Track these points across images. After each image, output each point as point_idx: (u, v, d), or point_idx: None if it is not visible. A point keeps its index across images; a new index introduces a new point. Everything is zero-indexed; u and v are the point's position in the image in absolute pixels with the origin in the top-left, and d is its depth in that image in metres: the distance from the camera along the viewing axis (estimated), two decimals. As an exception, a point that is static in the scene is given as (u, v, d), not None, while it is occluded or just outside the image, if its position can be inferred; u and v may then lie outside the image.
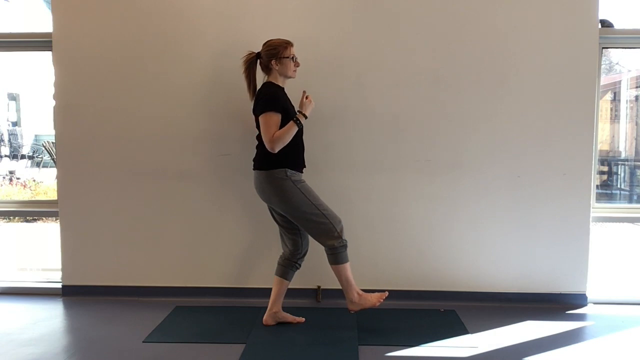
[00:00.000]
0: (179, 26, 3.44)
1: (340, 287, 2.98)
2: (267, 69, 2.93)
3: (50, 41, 3.50)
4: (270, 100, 2.82)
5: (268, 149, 2.80)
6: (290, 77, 2.95)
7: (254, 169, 2.94)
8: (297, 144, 2.89)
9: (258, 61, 2.95)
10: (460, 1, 3.36)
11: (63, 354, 2.70)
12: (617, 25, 3.48)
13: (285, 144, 2.81)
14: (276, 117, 2.80)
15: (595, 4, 3.32)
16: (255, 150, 2.97)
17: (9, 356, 2.67)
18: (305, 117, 2.87)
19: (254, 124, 2.95)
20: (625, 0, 4.51)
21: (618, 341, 2.89)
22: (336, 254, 2.87)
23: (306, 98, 2.89)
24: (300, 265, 3.06)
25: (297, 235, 3.02)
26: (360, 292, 2.94)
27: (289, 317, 3.08)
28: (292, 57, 2.91)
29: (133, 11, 3.46)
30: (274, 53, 2.87)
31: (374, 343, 2.80)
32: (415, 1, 3.37)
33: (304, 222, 2.88)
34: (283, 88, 2.92)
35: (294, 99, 2.95)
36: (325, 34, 3.38)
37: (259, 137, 2.92)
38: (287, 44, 2.90)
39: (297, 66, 2.95)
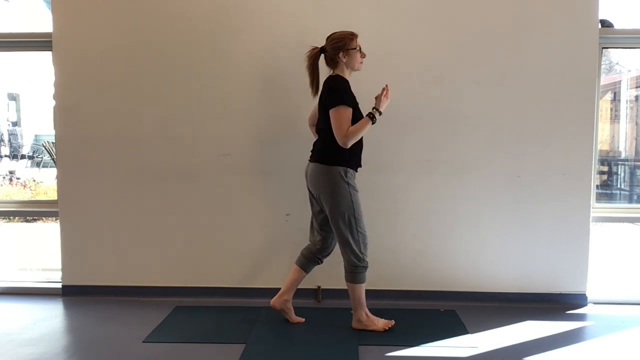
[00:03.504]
0: (178, 26, 3.44)
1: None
2: (333, 63, 2.86)
3: (50, 41, 3.50)
4: (343, 93, 2.77)
5: (340, 144, 2.75)
6: (357, 70, 2.90)
7: (312, 161, 2.90)
8: (359, 141, 2.85)
9: (322, 55, 2.88)
10: (460, 1, 3.36)
11: (63, 354, 2.70)
12: (617, 25, 3.47)
13: (358, 139, 2.78)
14: (349, 112, 2.76)
15: (595, 4, 3.32)
16: (316, 142, 2.93)
17: (9, 356, 2.67)
18: (380, 114, 2.82)
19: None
20: (625, 0, 4.51)
21: (618, 341, 2.89)
22: (355, 273, 2.87)
23: (383, 95, 2.83)
24: (322, 262, 3.04)
25: (329, 234, 2.99)
26: (369, 314, 2.96)
27: (292, 314, 3.07)
28: (359, 48, 2.87)
29: (133, 11, 3.46)
30: (341, 45, 2.82)
31: (374, 343, 2.80)
32: (414, 1, 3.37)
33: (337, 226, 2.85)
34: (348, 82, 2.86)
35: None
36: (324, 35, 3.37)
37: (322, 130, 2.86)
38: (353, 36, 2.85)
39: (364, 57, 2.91)
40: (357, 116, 2.81)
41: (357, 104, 2.84)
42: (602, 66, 3.54)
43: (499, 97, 3.39)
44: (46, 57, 3.66)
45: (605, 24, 3.44)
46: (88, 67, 3.49)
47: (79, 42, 3.48)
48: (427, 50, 3.39)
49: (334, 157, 2.81)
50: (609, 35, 3.45)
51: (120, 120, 3.50)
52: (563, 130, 3.38)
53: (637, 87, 5.96)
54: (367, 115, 2.80)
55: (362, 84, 2.94)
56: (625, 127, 5.99)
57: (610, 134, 6.12)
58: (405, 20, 3.38)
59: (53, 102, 3.55)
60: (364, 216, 2.88)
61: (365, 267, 2.88)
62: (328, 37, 2.88)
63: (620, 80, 5.95)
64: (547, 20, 3.34)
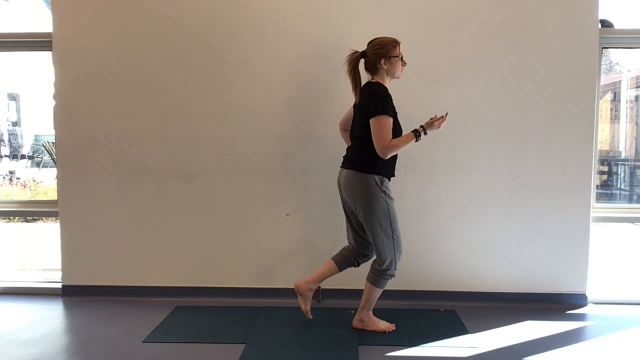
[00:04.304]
0: (179, 27, 3.44)
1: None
2: (373, 69, 2.80)
3: (50, 41, 3.50)
4: (386, 103, 2.70)
5: (379, 154, 2.69)
6: (397, 78, 2.86)
7: (346, 168, 2.84)
8: None
9: (362, 60, 2.82)
10: (460, 1, 3.36)
11: (63, 354, 2.70)
12: (617, 25, 3.48)
13: (397, 152, 2.74)
14: (391, 122, 2.69)
15: (595, 4, 3.32)
16: (351, 148, 2.88)
17: (9, 356, 2.67)
18: (425, 134, 2.76)
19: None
20: (625, 0, 4.51)
21: (618, 341, 2.89)
22: (378, 278, 2.85)
23: (439, 121, 2.76)
24: (358, 265, 3.01)
25: (368, 240, 2.94)
26: (372, 315, 2.96)
27: (308, 303, 3.01)
28: (401, 57, 2.83)
29: (132, 11, 3.46)
30: (383, 52, 2.75)
31: (374, 343, 2.80)
32: (415, 1, 3.37)
33: (374, 233, 2.80)
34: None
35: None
36: (323, 35, 3.37)
37: (359, 137, 2.80)
38: (396, 43, 2.79)
39: (404, 65, 2.86)
40: (395, 126, 2.75)
41: (396, 113, 2.79)
42: (602, 66, 3.55)
43: (499, 97, 3.39)
44: (46, 57, 3.66)
45: (605, 24, 3.44)
46: (88, 67, 3.49)
47: (79, 42, 3.49)
48: (427, 50, 3.39)
49: (371, 165, 2.75)
50: (609, 35, 3.45)
51: (120, 120, 3.50)
52: (563, 130, 3.38)
53: (637, 87, 5.96)
54: (412, 131, 2.74)
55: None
56: (625, 127, 5.99)
57: (610, 134, 6.11)
58: (405, 20, 3.38)
59: (53, 102, 3.55)
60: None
61: (393, 276, 2.86)
62: (370, 42, 2.82)
63: (620, 80, 5.95)
64: (547, 20, 3.34)
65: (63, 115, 3.54)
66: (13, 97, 11.19)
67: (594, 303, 3.47)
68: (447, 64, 3.38)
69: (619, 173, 6.07)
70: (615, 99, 6.06)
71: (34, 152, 10.57)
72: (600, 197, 5.10)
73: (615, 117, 6.04)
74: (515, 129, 3.40)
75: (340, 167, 2.92)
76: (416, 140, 2.74)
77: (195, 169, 3.50)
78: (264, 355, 2.67)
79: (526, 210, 3.42)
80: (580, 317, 3.26)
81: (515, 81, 3.38)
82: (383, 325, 2.95)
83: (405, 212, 3.46)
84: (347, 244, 3.04)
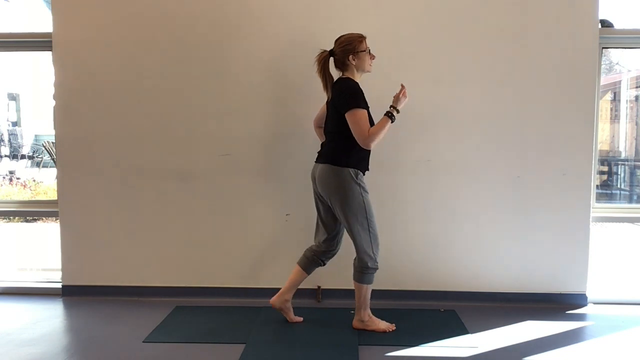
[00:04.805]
0: (179, 27, 3.44)
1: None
2: (343, 65, 2.86)
3: (50, 41, 3.50)
4: (357, 96, 2.77)
5: (362, 146, 2.75)
6: (367, 72, 2.90)
7: (321, 162, 2.88)
8: None
9: (332, 59, 2.88)
10: (460, 1, 3.36)
11: (63, 354, 2.70)
12: (617, 25, 3.47)
13: (380, 139, 2.77)
14: (365, 113, 2.75)
15: (595, 4, 3.32)
16: (326, 144, 2.92)
17: (9, 356, 2.67)
18: (398, 112, 2.82)
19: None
20: (625, 0, 4.51)
21: (618, 341, 2.89)
22: (364, 274, 2.87)
23: (401, 94, 2.83)
24: (325, 264, 3.04)
25: (334, 236, 2.99)
26: (371, 315, 2.96)
27: (291, 314, 3.07)
28: (368, 50, 2.87)
29: (133, 11, 3.45)
30: (351, 48, 2.81)
31: (374, 343, 2.80)
32: (415, 1, 3.37)
33: (350, 227, 2.84)
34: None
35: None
36: (325, 34, 3.37)
37: (332, 133, 2.86)
38: (362, 38, 2.85)
39: (373, 59, 2.90)
40: (369, 118, 2.80)
41: (368, 106, 2.83)
42: (602, 66, 3.55)
43: (499, 97, 3.39)
44: (46, 57, 3.66)
45: (605, 24, 3.44)
46: (88, 67, 3.49)
47: (79, 42, 3.48)
48: (427, 51, 3.38)
49: (345, 159, 2.80)
50: (609, 35, 3.45)
51: (120, 120, 3.50)
52: (563, 130, 3.38)
53: (637, 87, 5.96)
54: (385, 114, 2.79)
55: (365, 84, 2.94)
56: (625, 127, 5.99)
57: (610, 134, 6.11)
58: (405, 20, 3.38)
59: (53, 102, 3.55)
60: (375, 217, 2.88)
61: (376, 269, 2.88)
62: (336, 40, 2.87)
63: (620, 80, 5.95)
64: (547, 20, 3.34)
65: (63, 115, 3.54)
66: (13, 97, 11.19)
67: (594, 303, 3.47)
68: (447, 64, 3.38)
69: (619, 173, 6.07)
70: (615, 99, 6.07)
71: (34, 152, 10.57)
72: (600, 197, 5.10)
73: (615, 117, 6.04)
74: (515, 129, 3.40)
75: (315, 162, 2.95)
76: (392, 122, 2.79)
77: (195, 169, 3.50)
78: (264, 355, 2.67)
79: (526, 210, 3.42)
80: (580, 317, 3.26)
81: (515, 81, 3.38)
82: (383, 325, 2.95)
83: (405, 212, 3.47)
84: (311, 245, 3.06)
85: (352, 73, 2.86)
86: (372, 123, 2.81)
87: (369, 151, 2.88)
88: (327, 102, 2.93)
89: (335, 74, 2.92)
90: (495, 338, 2.90)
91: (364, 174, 2.89)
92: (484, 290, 3.46)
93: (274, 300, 3.04)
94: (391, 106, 2.81)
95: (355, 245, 2.87)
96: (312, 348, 2.74)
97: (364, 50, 2.84)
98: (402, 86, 2.86)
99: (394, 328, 2.97)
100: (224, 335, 2.93)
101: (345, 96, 2.78)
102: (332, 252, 3.03)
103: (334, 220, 2.95)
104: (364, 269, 2.86)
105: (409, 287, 3.47)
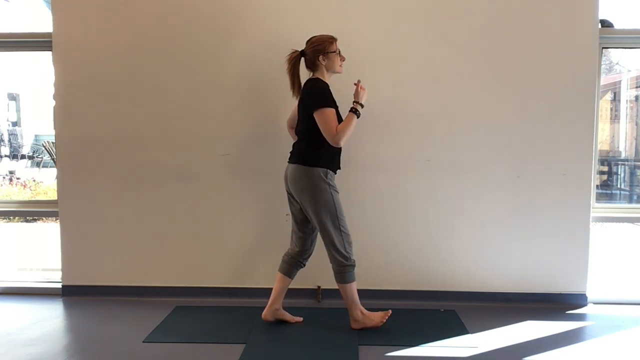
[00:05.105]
0: (179, 27, 3.44)
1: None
2: (313, 65, 2.90)
3: (50, 41, 3.50)
4: (324, 96, 2.81)
5: (332, 144, 2.78)
6: (337, 72, 2.93)
7: (292, 162, 2.91)
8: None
9: (302, 59, 2.92)
10: (461, 1, 3.36)
11: (63, 354, 2.70)
12: (617, 25, 3.47)
13: (349, 136, 2.79)
14: (333, 112, 2.79)
15: (595, 4, 3.32)
16: (296, 144, 2.95)
17: (9, 356, 2.67)
18: (362, 106, 2.85)
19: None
20: (625, 0, 4.51)
21: (618, 341, 2.89)
22: (343, 273, 2.88)
23: (360, 87, 2.87)
24: (304, 265, 3.06)
25: (307, 235, 3.02)
26: (365, 311, 2.96)
27: (288, 316, 3.08)
28: (338, 51, 2.90)
29: (133, 11, 3.46)
30: (321, 49, 2.85)
31: (374, 343, 2.80)
32: (415, 1, 3.37)
33: (321, 227, 2.87)
34: (328, 85, 2.88)
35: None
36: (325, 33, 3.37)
37: (302, 132, 2.90)
38: (332, 39, 2.89)
39: (343, 60, 2.94)
40: (338, 118, 2.84)
41: (337, 106, 2.86)
42: (602, 66, 3.55)
43: (499, 97, 3.39)
44: (46, 57, 3.66)
45: (605, 24, 3.44)
46: (88, 67, 3.49)
47: (79, 42, 3.48)
48: (426, 51, 3.39)
49: (315, 158, 2.84)
50: (609, 35, 3.45)
51: (120, 120, 3.50)
52: (563, 130, 3.38)
53: (637, 87, 5.96)
54: (350, 110, 2.83)
55: (365, 84, 2.94)
56: (625, 127, 5.99)
57: (610, 134, 6.12)
58: (404, 20, 3.38)
59: (53, 102, 3.55)
60: (346, 216, 2.90)
61: (353, 266, 2.90)
62: (308, 41, 2.91)
63: (620, 80, 5.95)
64: (547, 20, 3.34)
65: (63, 115, 3.54)
66: (13, 97, 11.19)
67: (594, 303, 3.47)
68: (447, 64, 3.38)
69: (619, 173, 6.07)
70: (615, 99, 6.07)
71: (34, 152, 10.57)
72: (600, 197, 5.10)
73: (615, 117, 6.04)
74: (515, 129, 3.40)
75: (288, 162, 2.96)
76: (357, 117, 2.82)
77: (196, 169, 3.50)
78: (264, 355, 2.67)
79: (526, 210, 3.42)
80: (580, 317, 3.26)
81: (515, 81, 3.37)
82: (379, 317, 2.95)
83: (405, 212, 3.47)
84: (287, 250, 3.08)
85: (321, 74, 2.90)
86: (340, 122, 2.83)
87: (339, 150, 2.92)
88: (298, 103, 2.96)
89: (306, 74, 2.94)
90: (495, 338, 2.90)
91: (335, 173, 2.92)
92: (484, 290, 3.46)
93: (265, 313, 3.05)
94: (354, 102, 2.85)
95: (327, 245, 2.89)
96: (312, 348, 2.74)
97: (334, 52, 2.88)
98: (358, 81, 2.90)
99: (390, 313, 2.96)
100: (224, 335, 2.93)
101: (314, 96, 2.81)
102: (308, 252, 3.05)
103: (307, 220, 2.97)
104: (341, 269, 2.88)
105: (409, 287, 3.47)
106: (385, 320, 2.94)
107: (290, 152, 2.97)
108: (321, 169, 2.83)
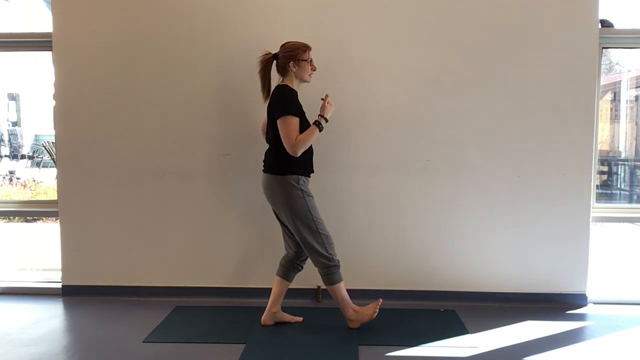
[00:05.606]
0: (179, 27, 3.44)
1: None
2: (283, 71, 2.90)
3: (50, 41, 3.50)
4: (289, 103, 2.80)
5: (290, 153, 2.77)
6: (306, 81, 2.93)
7: (264, 172, 2.92)
8: (309, 148, 2.88)
9: (274, 62, 2.92)
10: (461, 1, 3.36)
11: (63, 354, 2.70)
12: (617, 25, 3.47)
13: (307, 147, 2.80)
14: (296, 121, 2.78)
15: (595, 4, 3.32)
16: (267, 152, 2.94)
17: (9, 356, 2.67)
18: (326, 121, 2.85)
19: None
20: (625, 0, 4.51)
21: (618, 341, 2.89)
22: (329, 275, 2.88)
23: (327, 102, 2.88)
24: (302, 268, 3.06)
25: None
26: (356, 308, 2.96)
27: (287, 317, 3.09)
28: (310, 61, 2.90)
29: (133, 11, 3.46)
30: (293, 55, 2.85)
31: (374, 343, 2.80)
32: (415, 1, 3.37)
33: (299, 233, 2.86)
34: (297, 92, 2.88)
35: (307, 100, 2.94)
36: (324, 35, 3.37)
37: (272, 140, 2.89)
38: (306, 47, 2.89)
39: (314, 70, 2.94)
40: (304, 126, 2.83)
41: (304, 113, 2.86)
42: (602, 66, 3.55)
43: (499, 97, 3.39)
44: (46, 57, 3.66)
45: (605, 24, 3.44)
46: (88, 67, 3.49)
47: (79, 42, 3.48)
48: (427, 51, 3.38)
49: (285, 166, 2.83)
50: (609, 35, 3.45)
51: (120, 120, 3.50)
52: (563, 130, 3.38)
53: (637, 87, 5.96)
54: (313, 123, 2.83)
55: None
56: (625, 127, 5.99)
57: (610, 134, 6.11)
58: (404, 20, 3.38)
59: (53, 102, 3.55)
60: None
61: (337, 266, 2.89)
62: (282, 45, 2.91)
63: (620, 80, 5.95)
64: (547, 20, 3.34)
65: (63, 115, 3.54)
66: (13, 97, 11.19)
67: (594, 303, 3.47)
68: (447, 64, 3.38)
69: (619, 173, 6.07)
70: (615, 99, 6.07)
71: (34, 152, 10.57)
72: (600, 197, 5.10)
73: (615, 117, 6.04)
74: (515, 129, 3.40)
75: (262, 171, 2.96)
76: (320, 130, 2.82)
77: (195, 169, 3.50)
78: (264, 355, 2.67)
79: (526, 210, 3.42)
80: (580, 317, 3.26)
81: (515, 81, 3.37)
82: (371, 309, 2.95)
83: (405, 212, 3.47)
84: (285, 254, 3.08)
85: (290, 80, 2.89)
86: (305, 129, 2.82)
87: (311, 154, 2.92)
88: (267, 109, 2.94)
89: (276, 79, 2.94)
90: (495, 338, 2.90)
91: (309, 177, 2.92)
92: (484, 290, 3.46)
93: (264, 318, 3.05)
94: (319, 115, 2.85)
95: (307, 250, 2.89)
96: (312, 348, 2.74)
97: (306, 60, 2.87)
98: (326, 96, 2.90)
99: (381, 301, 2.96)
100: (224, 335, 2.93)
101: (279, 102, 2.81)
102: (304, 255, 3.03)
103: None
104: (326, 270, 2.88)
105: (410, 287, 3.47)
106: (377, 310, 2.93)
107: (263, 161, 2.96)
108: (292, 177, 2.82)
